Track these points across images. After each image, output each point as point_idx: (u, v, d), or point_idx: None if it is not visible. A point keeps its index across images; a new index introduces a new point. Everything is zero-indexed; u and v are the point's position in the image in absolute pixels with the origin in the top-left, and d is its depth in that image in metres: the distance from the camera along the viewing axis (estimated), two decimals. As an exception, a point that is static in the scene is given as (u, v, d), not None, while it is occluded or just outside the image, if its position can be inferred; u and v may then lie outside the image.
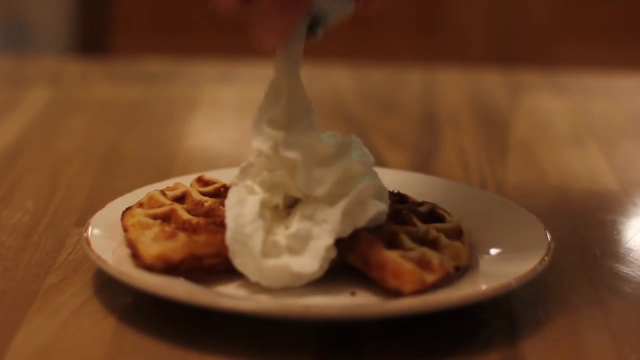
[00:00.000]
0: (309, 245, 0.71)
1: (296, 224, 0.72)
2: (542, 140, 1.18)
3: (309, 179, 0.73)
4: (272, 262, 0.71)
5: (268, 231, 0.72)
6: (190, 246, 0.72)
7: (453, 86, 1.40)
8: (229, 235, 0.71)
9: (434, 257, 0.72)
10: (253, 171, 0.74)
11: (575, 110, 1.30)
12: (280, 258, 0.71)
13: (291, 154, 0.73)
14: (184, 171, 0.98)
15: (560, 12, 2.25)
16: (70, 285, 0.75)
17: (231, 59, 1.50)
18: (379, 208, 0.73)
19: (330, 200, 0.73)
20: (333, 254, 0.72)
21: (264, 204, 0.73)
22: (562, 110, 1.30)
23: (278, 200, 0.74)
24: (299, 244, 0.71)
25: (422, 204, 0.82)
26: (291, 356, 0.67)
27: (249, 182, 0.74)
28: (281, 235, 0.72)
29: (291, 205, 0.75)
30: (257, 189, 0.74)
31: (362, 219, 0.73)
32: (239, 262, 0.71)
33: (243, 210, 0.72)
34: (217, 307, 0.67)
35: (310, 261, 0.71)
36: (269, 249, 0.71)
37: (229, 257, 0.71)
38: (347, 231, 0.72)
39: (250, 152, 0.75)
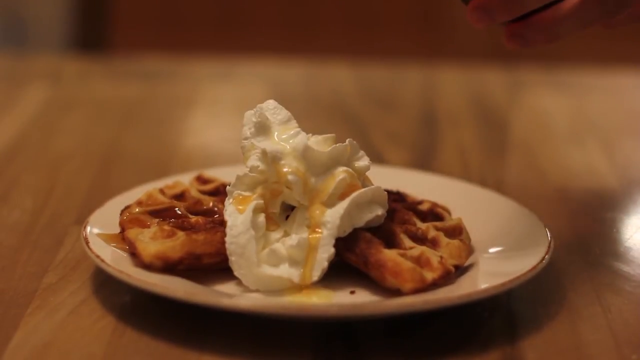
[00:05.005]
0: (310, 256, 0.71)
1: (296, 233, 0.72)
2: (542, 138, 1.18)
3: (306, 189, 0.73)
4: (271, 271, 0.71)
5: (266, 237, 0.72)
6: (189, 245, 0.71)
7: (453, 84, 1.40)
8: (226, 246, 0.71)
9: (433, 255, 0.71)
10: (249, 180, 0.74)
11: (575, 108, 1.30)
12: (280, 267, 0.71)
13: (286, 166, 0.72)
14: (183, 169, 0.97)
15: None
16: (68, 284, 0.75)
17: (230, 57, 1.50)
18: (377, 212, 0.73)
19: (329, 203, 0.73)
20: (332, 257, 0.71)
21: (258, 210, 0.73)
22: (562, 108, 1.30)
23: (275, 209, 0.74)
24: (299, 254, 0.71)
25: (421, 202, 0.81)
26: (291, 355, 0.66)
27: (244, 191, 0.74)
28: (280, 243, 0.72)
29: (288, 206, 0.75)
30: (253, 196, 0.73)
31: (361, 222, 0.73)
32: (238, 273, 0.71)
33: (237, 220, 0.71)
34: (216, 306, 0.66)
35: (311, 272, 0.71)
36: (268, 257, 0.71)
37: (230, 266, 0.71)
38: (346, 232, 0.72)
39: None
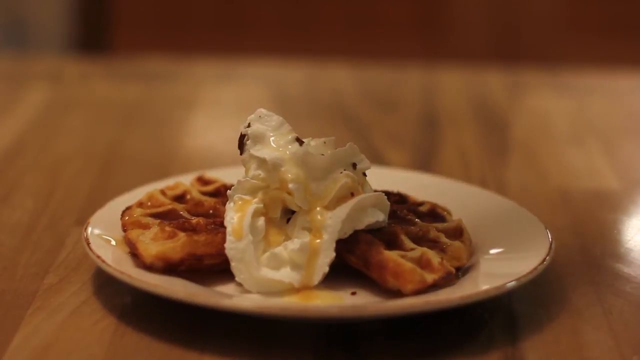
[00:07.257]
0: (312, 260, 0.71)
1: (297, 237, 0.72)
2: (542, 139, 1.18)
3: (307, 195, 0.73)
4: (272, 275, 0.71)
5: (266, 240, 0.72)
6: (190, 246, 0.71)
7: (453, 85, 1.40)
8: (226, 252, 0.71)
9: (434, 256, 0.71)
10: (250, 185, 0.74)
11: (576, 109, 1.30)
12: (281, 271, 0.71)
13: (287, 173, 0.72)
14: (184, 170, 0.97)
15: (562, 10, 2.25)
16: (69, 285, 0.75)
17: (231, 59, 1.50)
18: (378, 217, 0.73)
19: (330, 207, 0.72)
20: (333, 260, 0.71)
21: (258, 214, 0.73)
22: (563, 109, 1.30)
23: (276, 214, 0.74)
24: (301, 258, 0.71)
25: (422, 203, 0.81)
26: (291, 356, 0.66)
27: (244, 196, 0.74)
28: (282, 247, 0.72)
29: (289, 209, 0.75)
30: (253, 201, 0.73)
31: (361, 225, 0.73)
32: (239, 278, 0.71)
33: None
34: (217, 307, 0.66)
35: (312, 277, 0.71)
36: (269, 261, 0.71)
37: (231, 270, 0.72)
38: (347, 234, 0.72)
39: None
